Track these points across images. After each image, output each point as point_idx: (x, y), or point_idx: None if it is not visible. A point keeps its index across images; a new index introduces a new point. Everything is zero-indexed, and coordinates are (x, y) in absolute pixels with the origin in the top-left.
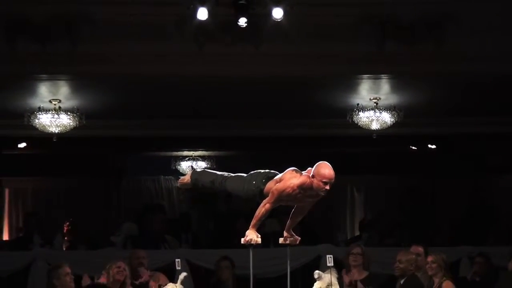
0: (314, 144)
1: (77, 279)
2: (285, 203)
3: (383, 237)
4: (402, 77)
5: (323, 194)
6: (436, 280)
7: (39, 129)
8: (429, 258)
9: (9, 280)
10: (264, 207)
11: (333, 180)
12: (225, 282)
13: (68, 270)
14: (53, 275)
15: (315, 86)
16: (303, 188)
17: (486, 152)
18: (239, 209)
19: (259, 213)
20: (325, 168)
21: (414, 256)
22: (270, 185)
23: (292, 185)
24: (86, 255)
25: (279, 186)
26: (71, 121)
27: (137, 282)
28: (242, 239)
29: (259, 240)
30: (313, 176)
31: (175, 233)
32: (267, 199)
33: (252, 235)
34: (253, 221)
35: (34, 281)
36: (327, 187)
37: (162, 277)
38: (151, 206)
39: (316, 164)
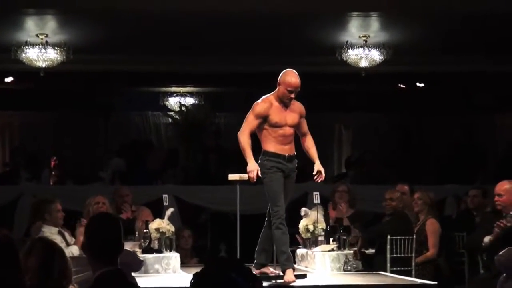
0: (303, 81)
1: (64, 213)
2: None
3: (369, 175)
4: (392, 15)
5: (288, 101)
6: (422, 217)
7: (26, 63)
8: (416, 195)
9: None
10: (242, 135)
11: (298, 89)
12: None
13: (59, 206)
14: (45, 209)
15: (304, 22)
16: (273, 98)
17: (474, 91)
18: (228, 145)
19: (242, 144)
20: (291, 76)
21: (400, 194)
22: None
23: (259, 102)
24: (73, 190)
25: (252, 109)
26: (58, 55)
27: (124, 217)
28: (249, 177)
29: (259, 172)
30: (279, 84)
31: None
32: (241, 129)
33: (253, 166)
34: (245, 154)
35: (22, 215)
36: (292, 95)
37: (145, 212)
38: (139, 142)
39: (282, 72)
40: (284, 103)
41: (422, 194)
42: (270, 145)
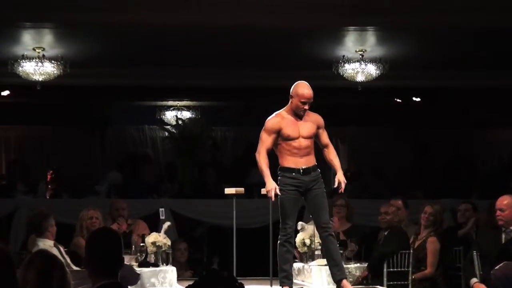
0: None
1: (60, 227)
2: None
3: (365, 189)
4: (388, 30)
5: (302, 113)
6: (424, 233)
7: (23, 77)
8: (428, 210)
9: None
10: (258, 155)
11: (311, 100)
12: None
13: (53, 221)
14: (41, 222)
15: (301, 37)
16: (286, 112)
17: (470, 106)
18: (224, 159)
19: (259, 164)
20: (303, 88)
21: (396, 208)
22: None
23: (270, 118)
24: (69, 204)
25: (264, 127)
26: (55, 69)
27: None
28: (268, 194)
29: (278, 189)
30: (291, 97)
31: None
32: (257, 149)
33: (271, 185)
34: (262, 174)
35: (17, 228)
36: (306, 107)
37: (141, 224)
38: (136, 155)
39: (294, 84)
40: (298, 115)
41: (434, 210)
42: (285, 160)
